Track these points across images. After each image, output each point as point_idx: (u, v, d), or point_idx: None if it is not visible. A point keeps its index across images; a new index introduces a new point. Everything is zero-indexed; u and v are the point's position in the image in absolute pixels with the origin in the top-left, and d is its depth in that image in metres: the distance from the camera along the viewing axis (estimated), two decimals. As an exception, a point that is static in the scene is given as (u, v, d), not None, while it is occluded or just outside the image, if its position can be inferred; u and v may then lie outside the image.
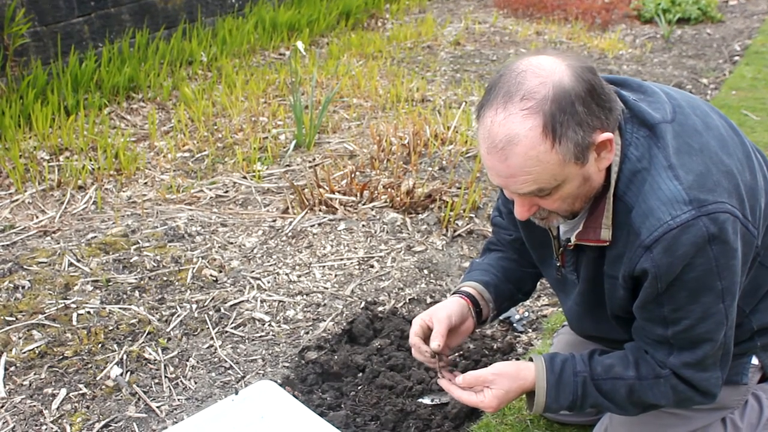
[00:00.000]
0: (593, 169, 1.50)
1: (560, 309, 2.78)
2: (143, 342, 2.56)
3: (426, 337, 1.83)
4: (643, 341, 1.66)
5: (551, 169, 1.44)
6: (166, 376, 2.44)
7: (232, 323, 2.69)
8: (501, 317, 2.77)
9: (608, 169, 1.54)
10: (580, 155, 1.44)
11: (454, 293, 1.96)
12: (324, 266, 3.05)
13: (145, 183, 3.75)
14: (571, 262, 1.72)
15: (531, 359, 1.76)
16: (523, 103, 1.41)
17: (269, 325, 2.70)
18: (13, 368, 2.40)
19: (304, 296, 2.86)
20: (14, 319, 2.58)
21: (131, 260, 2.96)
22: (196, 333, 2.64)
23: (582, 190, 1.53)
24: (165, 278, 2.88)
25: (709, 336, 1.57)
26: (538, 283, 2.11)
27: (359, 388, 2.38)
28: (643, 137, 1.53)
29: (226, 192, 3.67)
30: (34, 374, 2.39)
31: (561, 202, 1.54)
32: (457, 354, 2.53)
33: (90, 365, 2.44)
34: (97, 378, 2.39)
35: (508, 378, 1.70)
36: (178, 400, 2.35)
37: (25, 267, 2.86)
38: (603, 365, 1.69)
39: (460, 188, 3.59)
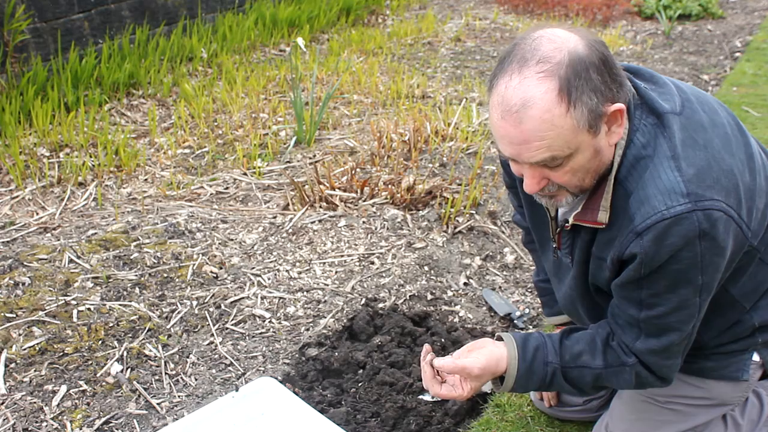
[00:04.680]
0: (603, 143, 1.49)
1: (561, 306, 2.77)
2: (143, 339, 2.56)
3: None
4: (615, 320, 1.68)
5: (565, 135, 1.43)
6: (166, 373, 2.44)
7: (232, 320, 2.69)
8: (502, 314, 2.78)
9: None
10: (593, 123, 1.44)
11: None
12: (324, 263, 3.05)
13: (146, 179, 3.74)
14: (567, 244, 1.72)
15: (500, 338, 1.76)
16: (539, 66, 1.41)
17: (270, 321, 2.70)
18: (13, 365, 2.40)
19: (305, 293, 2.86)
20: (14, 315, 2.58)
21: (131, 257, 2.95)
22: (196, 330, 2.64)
23: (593, 163, 1.52)
24: (165, 275, 2.88)
25: (678, 326, 1.59)
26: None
27: (360, 384, 2.37)
28: (650, 125, 1.53)
29: (227, 188, 3.67)
30: (35, 371, 2.39)
31: (572, 175, 1.52)
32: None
33: (90, 362, 2.44)
34: (98, 375, 2.39)
35: (489, 374, 1.72)
36: (179, 396, 2.35)
37: (25, 264, 2.86)
38: (571, 353, 1.71)
39: (460, 185, 3.58)
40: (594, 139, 1.47)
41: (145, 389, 2.36)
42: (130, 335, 2.56)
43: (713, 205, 1.46)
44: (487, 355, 1.73)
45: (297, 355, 2.53)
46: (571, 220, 1.63)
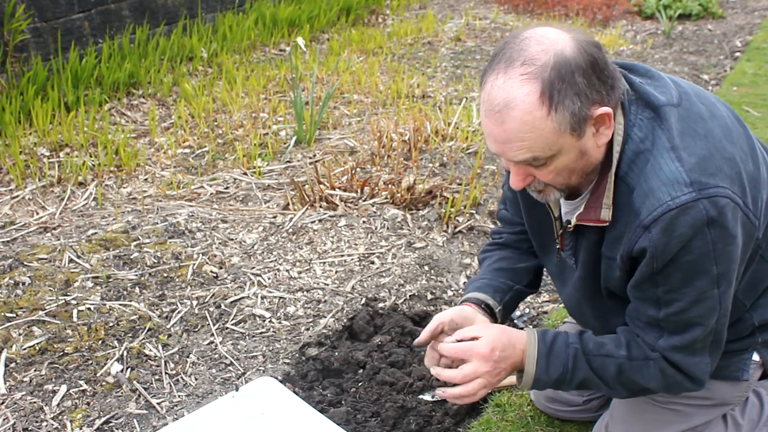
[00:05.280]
0: (591, 144, 1.50)
1: (561, 305, 2.77)
2: (144, 338, 2.56)
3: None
4: (634, 323, 1.66)
5: (546, 137, 1.44)
6: (166, 373, 2.44)
7: (232, 320, 2.69)
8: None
9: (611, 149, 1.54)
10: (576, 126, 1.44)
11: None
12: (324, 262, 3.05)
13: (146, 179, 3.74)
14: (570, 245, 1.72)
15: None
16: (523, 68, 1.42)
17: (270, 321, 2.70)
18: (13, 365, 2.40)
19: (305, 292, 2.86)
20: (15, 315, 2.58)
21: (131, 256, 2.95)
22: (196, 329, 2.64)
23: (578, 164, 1.52)
24: (165, 274, 2.88)
25: (699, 320, 1.56)
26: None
27: (360, 384, 2.37)
28: (647, 119, 1.53)
29: (227, 188, 3.67)
30: (35, 371, 2.39)
31: (556, 174, 1.53)
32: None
33: (90, 362, 2.44)
34: (98, 374, 2.39)
35: (502, 345, 1.67)
36: (179, 396, 2.35)
37: (25, 263, 2.86)
38: (594, 342, 1.68)
39: (460, 184, 3.58)
40: (578, 141, 1.47)
41: (145, 389, 2.36)
42: (130, 335, 2.56)
43: (718, 192, 1.46)
44: (493, 331, 1.71)
45: (297, 355, 2.53)
46: (573, 220, 1.63)
